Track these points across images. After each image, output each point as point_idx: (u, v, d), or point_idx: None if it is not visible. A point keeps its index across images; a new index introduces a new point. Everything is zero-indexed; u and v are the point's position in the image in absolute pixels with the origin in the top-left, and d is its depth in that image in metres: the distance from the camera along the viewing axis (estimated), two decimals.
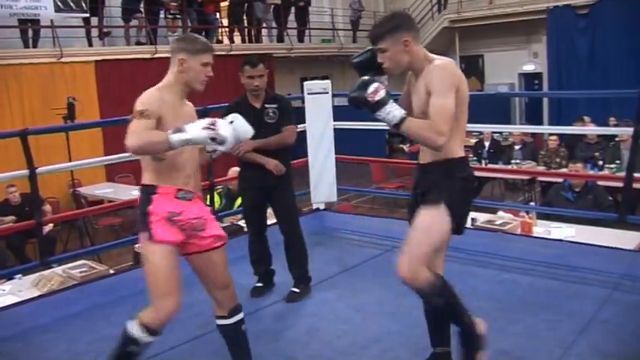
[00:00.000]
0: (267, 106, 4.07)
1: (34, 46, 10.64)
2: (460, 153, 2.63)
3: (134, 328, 2.61)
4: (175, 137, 2.45)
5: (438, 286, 2.60)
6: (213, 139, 2.48)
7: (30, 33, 10.65)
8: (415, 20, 2.76)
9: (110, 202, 9.19)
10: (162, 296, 2.60)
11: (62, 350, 3.46)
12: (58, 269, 4.92)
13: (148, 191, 2.66)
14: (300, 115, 5.48)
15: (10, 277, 4.92)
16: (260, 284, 4.21)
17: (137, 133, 2.48)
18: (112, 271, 5.06)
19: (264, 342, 3.43)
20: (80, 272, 4.88)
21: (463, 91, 2.56)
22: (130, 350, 2.63)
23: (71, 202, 10.00)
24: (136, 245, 5.80)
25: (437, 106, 2.45)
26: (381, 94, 2.46)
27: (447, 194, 2.58)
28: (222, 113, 4.22)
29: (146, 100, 2.60)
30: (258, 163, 4.00)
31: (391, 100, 2.48)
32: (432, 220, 2.58)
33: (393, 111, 2.46)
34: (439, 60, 2.60)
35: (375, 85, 2.48)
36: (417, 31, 2.64)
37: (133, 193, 9.06)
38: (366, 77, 2.53)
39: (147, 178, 2.69)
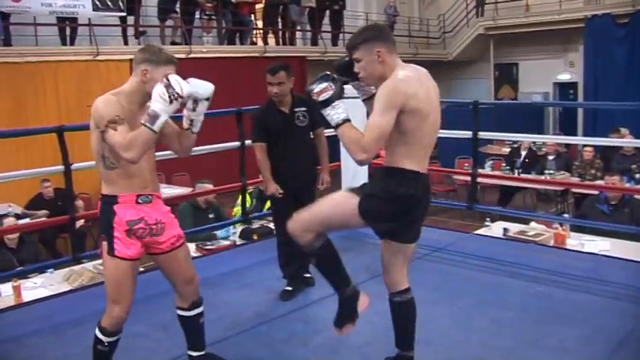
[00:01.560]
0: (296, 110, 4.06)
1: (72, 44, 10.79)
2: (407, 165, 2.62)
3: (96, 331, 2.80)
4: (156, 126, 2.56)
5: (313, 249, 2.75)
6: (183, 104, 2.63)
7: (68, 31, 10.81)
8: (391, 33, 2.78)
9: None
10: (113, 302, 2.75)
11: (91, 346, 3.47)
12: (89, 265, 4.96)
13: (109, 201, 2.72)
14: None
15: (41, 271, 4.99)
16: (289, 288, 4.18)
17: (128, 143, 2.54)
18: (141, 269, 5.08)
19: (292, 346, 3.42)
20: None
21: (415, 106, 2.54)
22: (100, 350, 2.81)
23: None
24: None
25: (369, 124, 2.52)
26: (326, 95, 2.55)
27: (367, 194, 2.66)
28: (252, 119, 4.25)
29: (107, 106, 2.64)
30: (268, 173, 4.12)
31: (337, 103, 2.56)
32: (338, 198, 2.74)
33: (333, 114, 2.56)
34: (396, 75, 2.58)
35: (323, 84, 2.57)
36: (391, 43, 2.66)
37: (165, 191, 9.13)
38: (325, 74, 2.62)
39: (106, 189, 2.74)
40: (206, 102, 2.75)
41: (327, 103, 2.56)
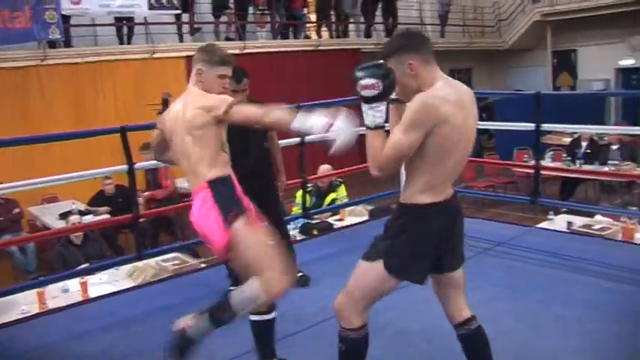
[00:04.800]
0: None
1: (129, 43, 11.00)
2: (427, 199, 2.35)
3: (255, 288, 2.55)
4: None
5: (348, 338, 2.54)
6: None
7: (125, 30, 11.03)
8: (428, 39, 2.45)
9: None
10: (267, 269, 2.55)
11: (159, 342, 3.49)
12: (151, 261, 5.05)
13: (226, 181, 2.64)
14: None
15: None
16: (232, 287, 4.21)
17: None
18: (202, 265, 5.16)
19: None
20: (173, 265, 5.01)
21: (446, 131, 2.26)
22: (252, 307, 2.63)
23: None
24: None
25: (391, 140, 2.25)
26: (371, 93, 2.24)
27: (388, 250, 2.41)
28: None
29: (210, 98, 2.66)
30: None
31: (378, 105, 2.26)
32: (366, 279, 2.47)
33: (370, 114, 2.28)
34: (434, 89, 2.30)
35: (372, 81, 2.24)
36: (427, 53, 2.36)
37: None
38: (378, 64, 2.29)
39: (213, 172, 2.62)
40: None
41: (369, 101, 2.27)
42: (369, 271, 2.45)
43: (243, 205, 2.62)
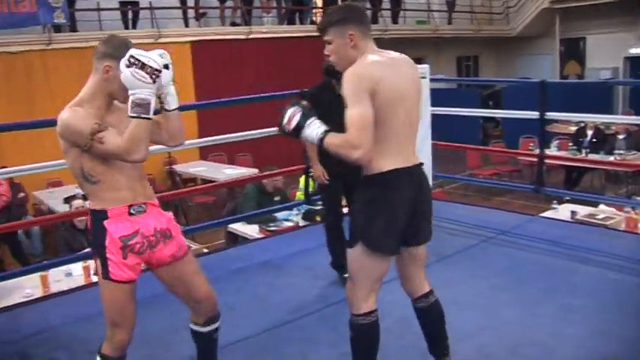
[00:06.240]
0: None
1: (134, 28, 10.99)
2: (385, 166, 2.40)
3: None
4: (152, 113, 2.27)
5: (357, 324, 2.54)
6: (153, 74, 2.26)
7: (130, 15, 11.01)
8: (366, 13, 2.58)
9: (203, 180, 9.42)
10: (113, 326, 2.45)
11: (162, 325, 3.53)
12: None
13: (99, 217, 2.39)
14: None
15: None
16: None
17: (130, 144, 2.24)
18: (205, 250, 5.16)
19: None
20: None
21: (385, 92, 2.33)
22: None
23: (166, 178, 10.32)
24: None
25: (348, 118, 2.30)
26: (296, 119, 2.42)
27: (361, 234, 2.46)
28: (305, 97, 4.16)
29: (78, 119, 2.29)
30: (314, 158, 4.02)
31: (309, 121, 2.41)
32: (354, 261, 2.52)
33: (311, 133, 2.40)
34: (362, 59, 2.40)
35: (288, 112, 2.43)
36: (366, 26, 2.49)
37: (226, 171, 9.26)
38: (290, 103, 2.47)
39: (95, 203, 2.42)
40: (166, 70, 2.42)
41: (300, 126, 2.41)
42: (354, 255, 2.51)
43: (104, 249, 2.39)
